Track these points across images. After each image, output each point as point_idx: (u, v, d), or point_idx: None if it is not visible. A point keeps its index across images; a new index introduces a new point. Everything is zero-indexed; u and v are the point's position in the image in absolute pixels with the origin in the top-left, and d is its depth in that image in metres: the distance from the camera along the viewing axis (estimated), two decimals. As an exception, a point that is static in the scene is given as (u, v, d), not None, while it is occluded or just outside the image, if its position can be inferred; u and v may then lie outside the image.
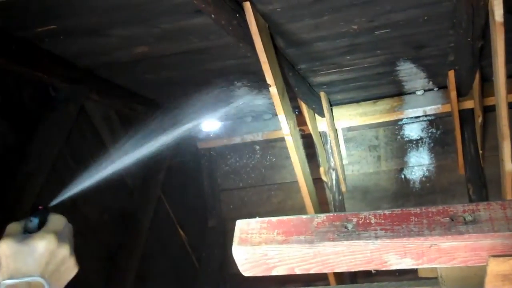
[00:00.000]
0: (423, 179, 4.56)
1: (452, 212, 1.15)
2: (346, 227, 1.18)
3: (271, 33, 2.65)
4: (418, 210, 1.17)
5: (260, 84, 3.50)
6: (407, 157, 4.60)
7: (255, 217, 1.26)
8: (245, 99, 3.89)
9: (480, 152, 4.26)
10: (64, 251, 1.16)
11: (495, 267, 1.09)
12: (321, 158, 4.44)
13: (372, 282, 1.62)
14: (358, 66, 3.34)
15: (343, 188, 4.57)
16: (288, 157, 4.45)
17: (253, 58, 2.67)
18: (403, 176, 4.61)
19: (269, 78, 2.70)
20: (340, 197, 4.53)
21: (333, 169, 4.49)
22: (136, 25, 2.47)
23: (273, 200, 4.88)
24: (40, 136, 2.97)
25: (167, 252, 4.24)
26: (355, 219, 1.19)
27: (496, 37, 2.44)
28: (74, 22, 2.40)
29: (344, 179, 4.59)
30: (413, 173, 4.58)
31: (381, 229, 1.16)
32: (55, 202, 1.27)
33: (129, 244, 3.67)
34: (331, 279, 4.04)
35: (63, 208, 3.04)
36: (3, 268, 1.11)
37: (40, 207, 1.20)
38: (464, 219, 1.14)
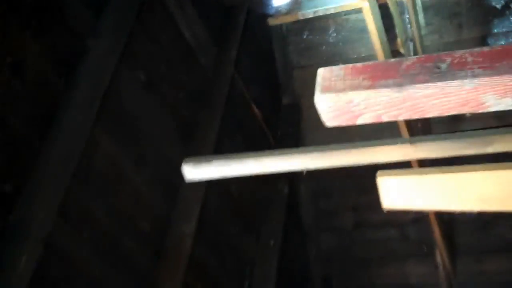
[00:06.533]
0: (509, 46, 4.29)
1: (561, 44, 1.04)
2: (439, 67, 1.09)
3: None
4: (520, 45, 1.07)
5: None
6: (491, 23, 4.31)
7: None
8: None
9: None
10: None
11: None
12: (397, 29, 4.22)
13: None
14: None
15: (422, 60, 4.37)
16: (363, 30, 4.29)
17: None
18: (487, 45, 4.35)
19: None
20: (419, 70, 4.34)
21: (411, 40, 4.28)
22: None
23: (348, 75, 4.75)
24: (110, 12, 2.94)
25: (243, 130, 4.27)
26: (449, 59, 1.09)
27: None
28: None
29: (423, 50, 4.38)
30: (498, 41, 4.30)
31: (478, 68, 1.06)
32: None
33: (205, 121, 3.70)
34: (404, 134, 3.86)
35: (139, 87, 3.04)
36: None
37: None
38: None
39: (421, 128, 4.08)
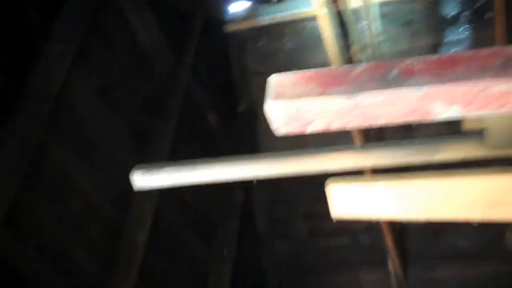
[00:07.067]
0: (460, 55, 4.38)
1: (506, 54, 1.05)
2: (387, 75, 1.09)
3: None
4: (467, 54, 1.07)
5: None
6: (444, 32, 4.40)
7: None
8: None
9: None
10: None
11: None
12: (353, 37, 4.26)
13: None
14: None
15: (377, 68, 4.41)
16: (320, 37, 4.29)
17: None
18: (438, 53, 4.44)
19: None
20: (374, 77, 4.38)
21: (366, 47, 4.33)
22: None
23: (304, 82, 4.76)
24: (64, 16, 2.88)
25: (198, 137, 4.24)
26: (398, 67, 1.10)
27: None
28: None
29: (378, 58, 4.43)
30: (450, 49, 4.39)
31: (426, 76, 1.07)
32: None
33: (160, 128, 3.66)
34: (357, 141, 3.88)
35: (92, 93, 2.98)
36: None
37: None
38: (519, 61, 1.04)
39: (374, 135, 4.12)
